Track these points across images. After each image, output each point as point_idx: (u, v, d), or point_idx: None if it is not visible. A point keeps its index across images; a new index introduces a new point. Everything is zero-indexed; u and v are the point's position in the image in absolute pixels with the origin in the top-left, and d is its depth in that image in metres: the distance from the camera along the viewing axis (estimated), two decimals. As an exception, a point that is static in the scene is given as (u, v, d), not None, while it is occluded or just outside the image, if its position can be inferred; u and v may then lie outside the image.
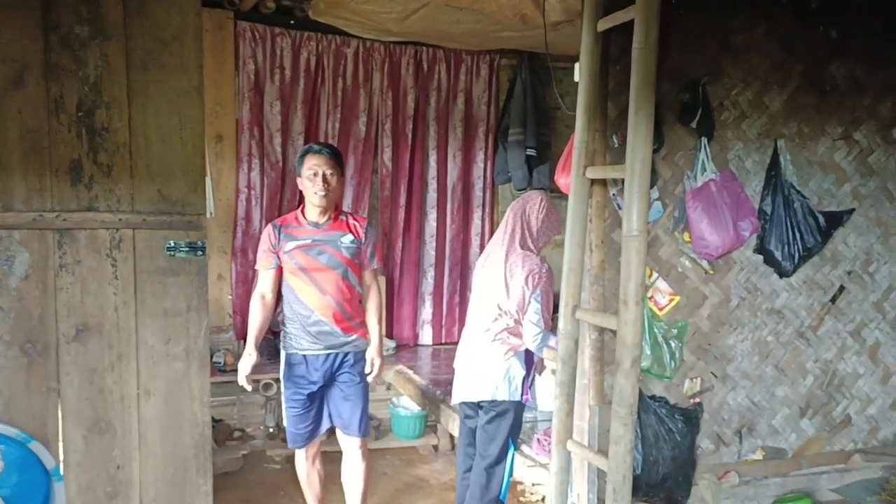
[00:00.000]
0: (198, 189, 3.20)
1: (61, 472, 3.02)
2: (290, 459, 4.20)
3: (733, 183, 3.63)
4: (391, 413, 5.65)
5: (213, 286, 5.51)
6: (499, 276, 3.67)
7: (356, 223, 3.74)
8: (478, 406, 3.77)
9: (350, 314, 3.70)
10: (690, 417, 3.58)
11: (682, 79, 3.55)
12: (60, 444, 3.04)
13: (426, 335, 5.98)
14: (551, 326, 3.68)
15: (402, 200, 5.83)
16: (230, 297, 5.52)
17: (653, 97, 2.94)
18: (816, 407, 3.92)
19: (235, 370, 5.40)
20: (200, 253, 3.16)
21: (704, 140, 3.60)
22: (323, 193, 3.56)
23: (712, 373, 3.69)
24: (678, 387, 3.63)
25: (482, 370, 3.71)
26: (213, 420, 5.45)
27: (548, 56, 4.79)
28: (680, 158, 3.61)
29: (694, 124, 3.58)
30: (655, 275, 3.59)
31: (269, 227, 3.70)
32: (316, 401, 3.74)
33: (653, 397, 3.57)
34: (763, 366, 3.79)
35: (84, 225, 2.99)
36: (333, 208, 3.69)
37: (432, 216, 5.96)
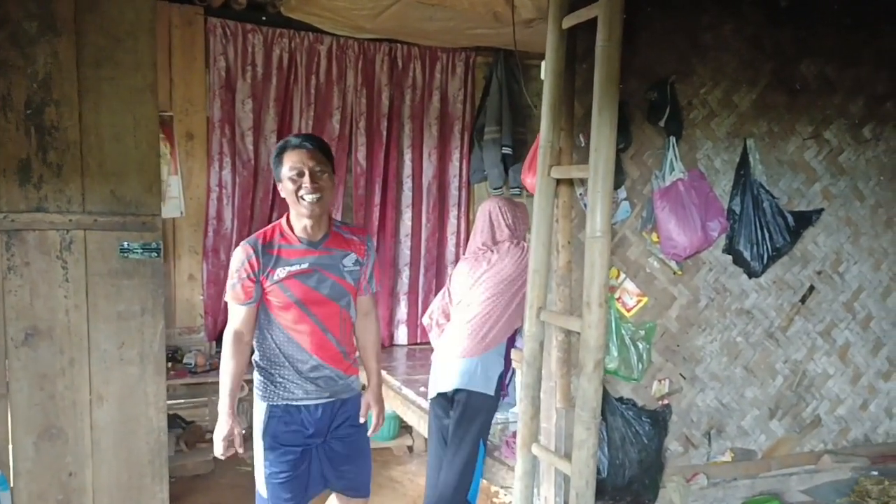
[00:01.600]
0: (153, 189, 3.10)
1: (9, 480, 2.91)
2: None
3: (702, 182, 3.54)
4: (365, 413, 5.55)
5: (184, 286, 5.41)
6: (479, 276, 3.65)
7: (355, 237, 2.97)
8: (451, 401, 3.68)
9: (349, 352, 3.01)
10: (658, 419, 3.49)
11: (651, 77, 3.45)
12: (10, 452, 2.94)
13: (401, 335, 5.87)
14: None
15: (377, 199, 5.73)
16: (201, 297, 5.40)
17: (616, 96, 2.85)
18: (786, 408, 3.83)
19: (207, 370, 5.33)
20: (155, 254, 3.06)
21: (673, 139, 3.50)
22: (314, 197, 2.72)
23: (681, 374, 3.60)
24: (646, 388, 3.54)
25: (462, 361, 3.64)
26: (184, 422, 5.35)
27: (517, 54, 4.70)
28: (648, 158, 3.52)
29: (662, 123, 3.49)
30: (623, 275, 3.50)
31: (246, 248, 2.78)
32: (307, 460, 2.93)
33: (620, 399, 3.48)
34: (732, 367, 3.71)
35: (33, 226, 2.88)
36: (328, 217, 2.91)
37: (407, 215, 5.86)
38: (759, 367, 3.75)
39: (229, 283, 2.82)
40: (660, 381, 3.55)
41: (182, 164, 5.30)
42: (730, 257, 3.66)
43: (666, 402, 3.56)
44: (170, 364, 5.16)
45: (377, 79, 5.70)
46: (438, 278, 5.90)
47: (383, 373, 5.28)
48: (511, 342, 3.79)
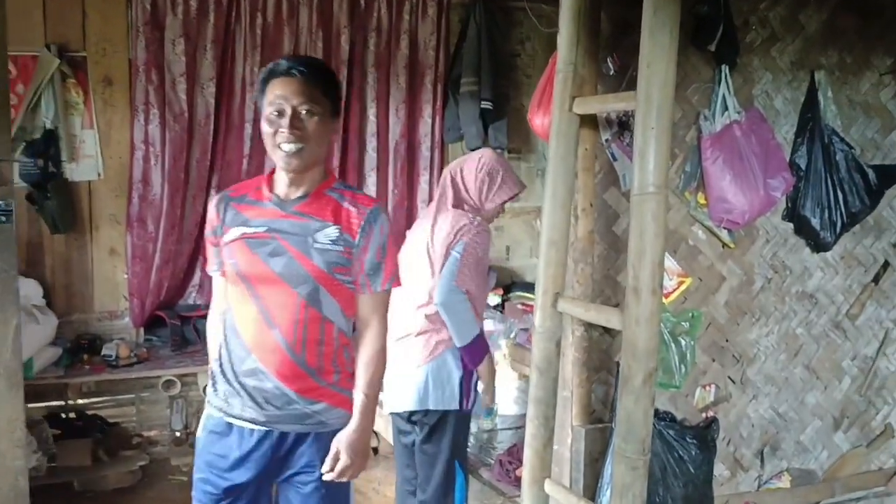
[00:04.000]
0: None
1: None
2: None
3: (762, 126, 2.57)
4: (322, 411, 4.54)
5: (104, 263, 4.32)
6: (421, 249, 2.60)
7: (353, 207, 1.99)
8: (410, 419, 2.71)
9: (317, 368, 1.98)
10: (706, 440, 2.52)
11: (699, -15, 2.47)
12: None
13: (364, 319, 4.85)
14: (479, 308, 2.61)
15: (336, 161, 4.65)
16: (125, 275, 4.31)
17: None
18: (853, 416, 2.90)
19: (132, 364, 4.27)
20: (3, 219, 1.99)
21: (725, 69, 2.53)
22: (293, 147, 1.90)
23: (729, 378, 2.65)
24: (687, 398, 2.59)
25: (408, 373, 2.65)
26: (106, 424, 4.30)
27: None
28: (693, 94, 2.54)
29: (712, 47, 2.51)
30: (661, 249, 2.52)
31: (214, 199, 2.08)
32: None
33: (655, 414, 2.52)
34: (791, 366, 2.77)
35: None
36: (317, 175, 2.02)
37: (371, 180, 4.79)
38: (823, 366, 2.82)
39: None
40: (704, 387, 2.60)
41: (99, 116, 4.23)
42: (791, 225, 2.71)
43: (711, 413, 2.62)
44: (85, 356, 4.11)
45: (335, 19, 4.61)
46: (407, 253, 4.88)
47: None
48: None
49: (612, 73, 2.40)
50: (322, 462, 1.95)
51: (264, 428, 1.96)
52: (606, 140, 2.45)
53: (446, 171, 2.74)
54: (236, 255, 1.95)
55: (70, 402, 4.19)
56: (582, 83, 2.28)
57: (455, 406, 2.58)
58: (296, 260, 1.92)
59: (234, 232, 1.96)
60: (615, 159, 2.47)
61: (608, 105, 2.16)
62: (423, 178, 4.92)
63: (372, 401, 1.99)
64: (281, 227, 1.94)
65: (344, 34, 4.62)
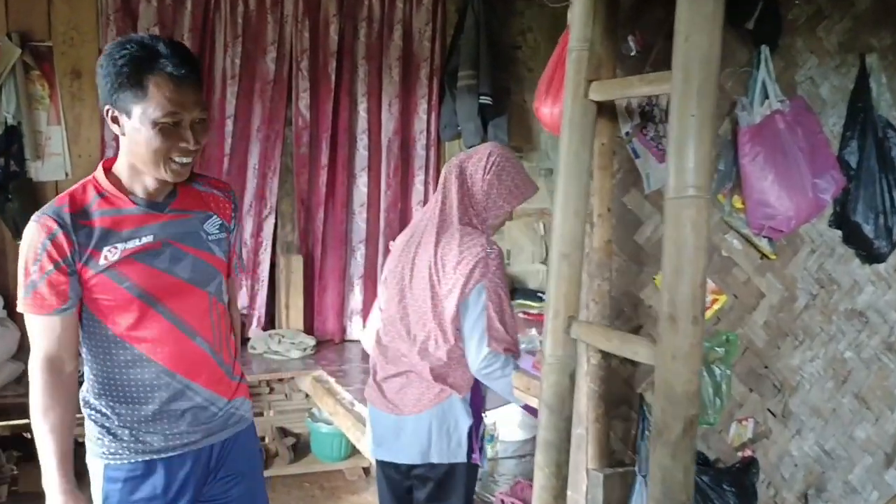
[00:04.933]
0: None
1: None
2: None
3: (808, 117, 2.12)
4: (310, 428, 4.09)
5: (73, 270, 3.89)
6: (423, 271, 2.14)
7: (215, 191, 1.83)
8: (408, 472, 2.26)
9: (230, 365, 1.85)
10: (744, 485, 2.08)
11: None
12: None
13: (355, 328, 4.38)
14: (515, 343, 2.17)
15: (325, 160, 4.22)
16: (96, 283, 3.88)
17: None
18: (905, 450, 2.47)
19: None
20: None
21: (766, 50, 2.08)
22: (187, 160, 1.64)
23: (769, 410, 2.21)
24: (721, 434, 2.15)
25: (405, 420, 2.21)
26: (76, 443, 3.87)
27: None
28: (727, 79, 2.09)
29: (750, 24, 2.07)
30: (690, 262, 2.08)
31: (44, 222, 1.60)
32: None
33: (685, 454, 2.08)
34: (839, 395, 2.32)
35: None
36: None
37: (363, 180, 4.35)
38: (874, 395, 2.37)
39: (23, 284, 1.63)
40: (741, 421, 2.15)
41: (66, 112, 3.83)
42: (838, 233, 2.27)
43: (749, 452, 2.18)
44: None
45: (323, 7, 4.17)
46: (401, 258, 4.43)
47: (330, 380, 3.84)
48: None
49: (633, 52, 1.96)
50: (248, 461, 1.89)
51: (196, 447, 1.77)
52: (626, 133, 2.01)
53: (447, 171, 2.26)
54: (130, 275, 1.64)
55: (35, 420, 3.76)
56: (599, 65, 1.84)
57: (462, 459, 2.13)
58: (201, 260, 1.75)
59: (110, 252, 1.63)
60: (637, 156, 2.03)
61: (634, 89, 1.71)
62: (418, 179, 4.47)
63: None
64: (167, 230, 1.70)
65: (333, 23, 4.18)
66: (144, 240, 1.66)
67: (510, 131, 4.36)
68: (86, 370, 1.75)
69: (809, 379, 2.26)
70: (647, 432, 2.03)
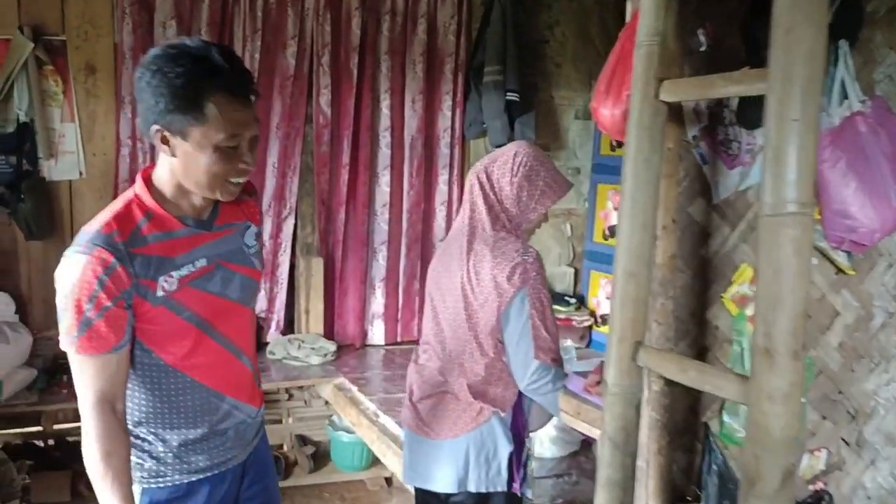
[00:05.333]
0: None
1: None
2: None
3: (891, 119, 1.92)
4: (330, 437, 3.92)
5: (87, 272, 3.70)
6: (455, 283, 1.96)
7: (245, 194, 1.71)
8: (446, 500, 2.07)
9: (257, 370, 1.79)
10: (817, 522, 1.91)
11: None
12: None
13: (377, 333, 4.20)
14: (556, 354, 1.98)
15: (346, 158, 4.02)
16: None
17: None
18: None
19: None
20: None
21: (845, 46, 1.88)
22: (242, 179, 1.53)
23: (843, 439, 2.01)
24: (790, 464, 1.96)
25: (441, 443, 2.01)
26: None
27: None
28: (800, 78, 1.88)
29: (829, 17, 1.87)
30: (760, 278, 1.88)
31: (99, 255, 1.42)
32: None
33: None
34: (914, 420, 2.13)
35: None
36: None
37: (385, 179, 4.16)
38: (950, 419, 2.18)
39: (74, 323, 1.44)
40: (813, 452, 1.96)
41: (81, 108, 3.62)
42: (916, 245, 2.07)
43: (821, 485, 1.98)
44: (64, 378, 3.46)
45: (345, 1, 3.97)
46: (424, 261, 4.23)
47: (353, 388, 3.65)
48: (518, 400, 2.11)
49: (703, 47, 1.75)
50: (267, 470, 1.82)
51: (235, 462, 1.70)
52: (694, 137, 1.81)
53: (471, 179, 2.07)
54: (188, 304, 1.53)
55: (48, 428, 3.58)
56: (671, 62, 1.64)
57: (502, 487, 1.95)
58: (247, 277, 1.66)
59: (167, 282, 1.50)
60: (704, 162, 1.83)
61: (716, 89, 1.50)
62: (442, 178, 4.27)
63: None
64: (218, 251, 1.59)
65: (355, 17, 3.98)
66: (198, 264, 1.55)
67: (538, 129, 4.16)
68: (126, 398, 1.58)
69: (885, 405, 2.06)
70: (713, 466, 1.83)
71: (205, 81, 1.40)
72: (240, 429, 1.69)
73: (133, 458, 1.56)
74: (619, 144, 4.14)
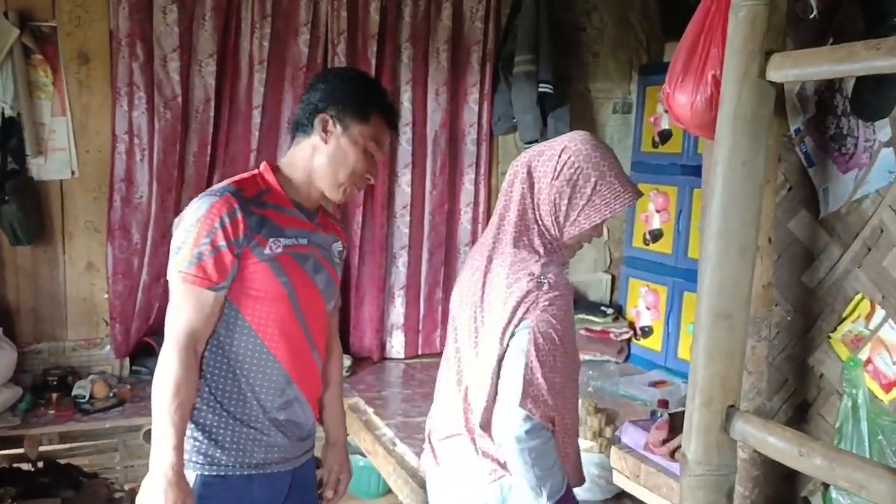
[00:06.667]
0: None
1: None
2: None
3: None
4: (345, 460, 3.50)
5: (80, 280, 3.30)
6: (469, 303, 1.59)
7: (332, 218, 1.87)
8: None
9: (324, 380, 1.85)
10: None
11: None
12: None
13: (396, 345, 3.76)
14: (551, 412, 1.52)
15: (363, 156, 3.60)
16: (106, 295, 3.29)
17: None
18: None
19: (108, 407, 3.24)
20: None
21: None
22: (360, 189, 1.77)
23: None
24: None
25: (461, 490, 1.59)
26: (82, 475, 3.31)
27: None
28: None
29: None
30: (880, 312, 1.41)
31: (227, 198, 1.58)
32: None
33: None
34: None
35: None
36: None
37: (405, 179, 3.71)
38: None
39: (188, 251, 1.57)
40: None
41: (73, 101, 3.24)
42: None
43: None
44: (53, 396, 3.10)
45: (363, -16, 3.55)
46: (448, 268, 3.79)
47: (368, 410, 3.23)
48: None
49: (813, 15, 1.29)
50: (310, 492, 1.81)
51: (286, 468, 1.71)
52: (797, 131, 1.36)
53: (511, 173, 1.65)
54: (288, 271, 1.64)
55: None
56: (780, 30, 1.18)
57: None
58: (330, 274, 1.78)
59: (276, 244, 1.63)
60: (810, 164, 1.37)
61: (858, 61, 1.04)
62: (468, 178, 3.82)
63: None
64: (316, 239, 1.73)
65: (374, 2, 3.54)
66: (301, 241, 1.67)
67: (572, 124, 3.70)
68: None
69: None
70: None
71: (376, 98, 1.68)
72: (295, 429, 1.71)
73: (192, 441, 1.61)
74: (665, 140, 3.68)
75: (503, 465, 1.56)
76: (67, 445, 3.28)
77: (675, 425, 1.64)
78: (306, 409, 1.73)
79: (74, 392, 3.12)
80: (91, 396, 3.13)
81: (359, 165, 1.65)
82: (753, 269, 1.18)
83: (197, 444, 1.63)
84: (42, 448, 3.14)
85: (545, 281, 1.51)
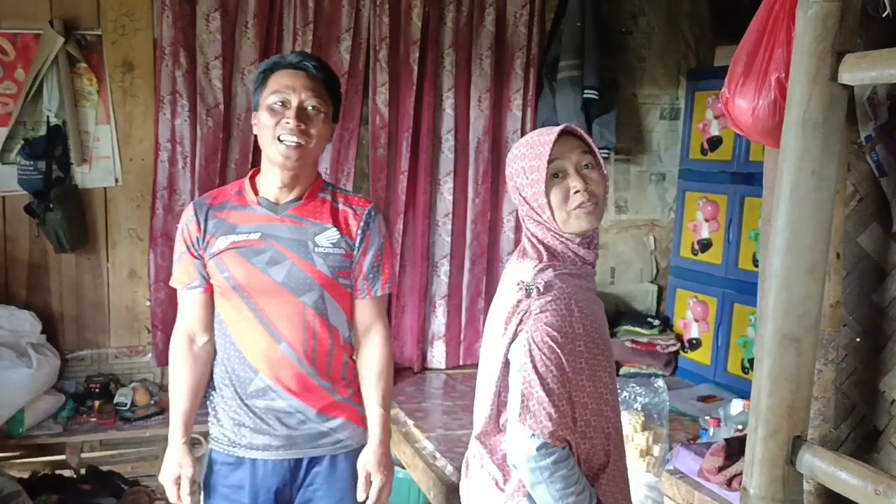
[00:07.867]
0: None
1: None
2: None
3: None
4: (383, 472, 3.43)
5: (123, 288, 3.31)
6: (491, 317, 1.55)
7: (350, 208, 1.82)
8: None
9: (331, 381, 1.83)
10: None
11: None
12: None
13: (438, 356, 3.68)
14: (556, 428, 1.41)
15: (405, 164, 3.53)
16: (148, 303, 3.28)
17: None
18: None
19: (149, 415, 3.24)
20: None
21: None
22: (295, 140, 1.69)
23: None
24: None
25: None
26: (124, 482, 3.30)
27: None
28: None
29: None
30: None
31: (190, 208, 1.82)
32: None
33: None
34: None
35: None
36: (311, 177, 1.82)
37: (447, 186, 3.64)
38: None
39: (174, 258, 1.88)
40: None
41: (117, 109, 3.25)
42: None
43: None
44: (96, 403, 3.11)
45: (406, -11, 3.50)
46: (489, 277, 3.71)
47: (409, 422, 3.16)
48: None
49: (885, 12, 1.19)
50: (338, 491, 1.84)
51: (277, 456, 1.80)
52: (868, 138, 1.25)
53: None
54: (230, 266, 1.75)
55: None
56: (851, 31, 1.08)
57: None
58: (297, 267, 1.76)
59: (222, 241, 1.77)
60: (882, 174, 1.27)
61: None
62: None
63: (388, 413, 1.87)
64: (276, 232, 1.77)
65: (416, 8, 3.48)
66: (252, 236, 1.74)
67: (619, 131, 3.61)
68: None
69: None
70: None
71: (272, 64, 1.77)
72: (282, 418, 1.77)
73: (209, 419, 1.86)
74: (714, 147, 3.55)
75: (523, 490, 1.48)
76: (109, 453, 3.29)
77: (732, 451, 1.54)
78: (291, 400, 1.78)
79: (116, 400, 3.12)
80: (132, 404, 3.14)
81: (266, 119, 1.71)
82: (823, 289, 1.08)
83: (210, 422, 1.86)
84: (83, 455, 3.14)
85: (533, 287, 1.42)
